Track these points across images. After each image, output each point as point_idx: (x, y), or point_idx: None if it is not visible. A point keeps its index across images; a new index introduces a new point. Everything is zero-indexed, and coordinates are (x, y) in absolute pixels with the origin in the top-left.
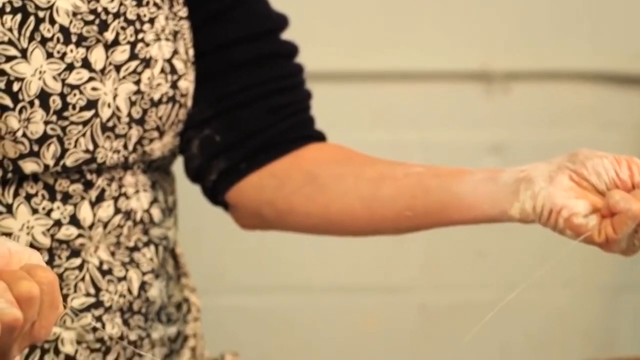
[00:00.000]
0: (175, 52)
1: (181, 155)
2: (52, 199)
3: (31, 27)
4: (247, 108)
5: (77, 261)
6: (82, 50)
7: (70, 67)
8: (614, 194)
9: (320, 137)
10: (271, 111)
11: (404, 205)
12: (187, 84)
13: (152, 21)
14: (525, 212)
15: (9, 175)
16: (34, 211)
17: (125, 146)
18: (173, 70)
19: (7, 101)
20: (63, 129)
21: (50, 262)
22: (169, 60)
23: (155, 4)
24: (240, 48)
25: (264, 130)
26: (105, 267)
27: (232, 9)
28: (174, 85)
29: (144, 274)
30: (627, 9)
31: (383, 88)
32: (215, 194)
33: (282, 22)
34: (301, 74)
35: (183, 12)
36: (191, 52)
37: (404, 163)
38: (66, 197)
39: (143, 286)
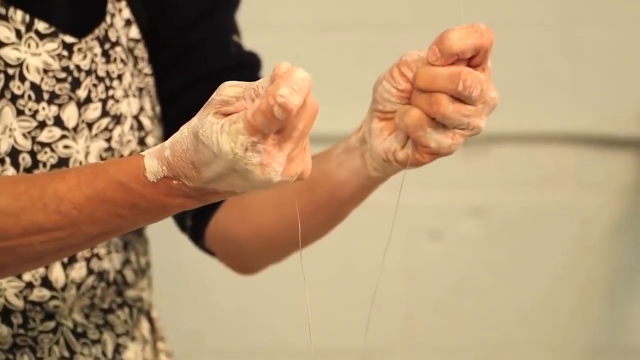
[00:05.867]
0: (141, 109)
1: None
2: None
3: (0, 85)
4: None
5: (51, 324)
6: (54, 108)
7: (41, 125)
8: (397, 117)
9: None
10: None
11: (305, 200)
12: (154, 141)
13: (120, 77)
14: (378, 170)
15: None
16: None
17: None
18: (140, 127)
19: None
20: None
21: (24, 326)
22: (136, 117)
23: (122, 60)
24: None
25: None
26: (79, 329)
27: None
28: (141, 142)
29: (118, 336)
30: (608, 72)
31: None
32: (197, 242)
33: (252, 59)
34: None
35: (147, 69)
36: (158, 108)
37: None
38: None
39: (117, 349)
